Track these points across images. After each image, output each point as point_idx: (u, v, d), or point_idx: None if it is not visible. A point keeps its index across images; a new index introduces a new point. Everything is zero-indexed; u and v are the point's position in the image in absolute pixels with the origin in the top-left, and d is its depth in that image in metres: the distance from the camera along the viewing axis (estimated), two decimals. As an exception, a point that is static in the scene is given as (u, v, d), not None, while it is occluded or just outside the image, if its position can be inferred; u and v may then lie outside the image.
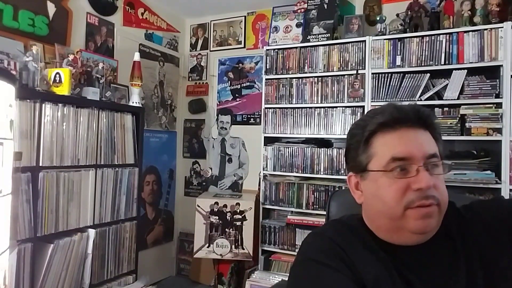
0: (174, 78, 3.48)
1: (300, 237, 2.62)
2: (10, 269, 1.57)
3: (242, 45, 3.35)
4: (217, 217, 2.79)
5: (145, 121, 2.64)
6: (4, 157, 0.62)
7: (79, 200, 1.96)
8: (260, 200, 2.80)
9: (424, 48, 2.33)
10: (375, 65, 2.46)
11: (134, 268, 2.32)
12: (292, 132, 2.72)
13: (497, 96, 2.14)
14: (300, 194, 2.66)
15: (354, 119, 2.49)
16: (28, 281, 1.69)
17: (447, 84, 2.25)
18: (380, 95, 2.42)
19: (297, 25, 2.84)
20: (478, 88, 2.18)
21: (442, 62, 2.27)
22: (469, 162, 2.15)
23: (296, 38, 2.81)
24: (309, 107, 2.66)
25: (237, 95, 3.36)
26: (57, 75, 1.90)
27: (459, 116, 2.19)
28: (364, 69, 2.48)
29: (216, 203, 2.81)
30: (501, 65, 2.13)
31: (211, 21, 3.50)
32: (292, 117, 2.72)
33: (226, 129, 3.38)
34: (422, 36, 2.33)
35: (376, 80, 2.44)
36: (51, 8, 2.32)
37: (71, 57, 2.09)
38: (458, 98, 2.22)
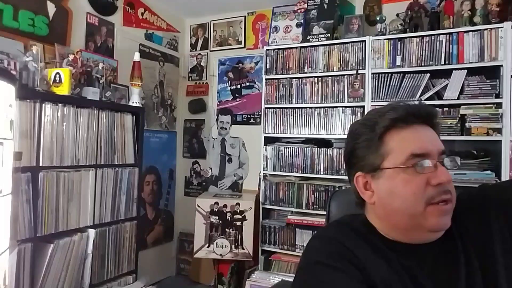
0: (174, 78, 3.48)
1: (300, 237, 2.62)
2: (10, 269, 1.56)
3: (242, 45, 3.35)
4: (217, 217, 2.79)
5: (145, 121, 2.64)
6: (4, 157, 0.62)
7: (79, 200, 1.96)
8: (260, 200, 2.80)
9: (424, 48, 2.32)
10: (375, 65, 2.46)
11: (134, 268, 2.32)
12: (292, 132, 2.72)
13: (497, 96, 2.14)
14: (300, 194, 2.65)
15: (354, 119, 2.49)
16: (28, 281, 1.69)
17: (447, 84, 2.25)
18: (380, 95, 2.42)
19: (297, 25, 2.83)
20: (478, 88, 2.18)
21: (442, 62, 2.27)
22: (469, 162, 2.15)
23: (296, 38, 2.81)
24: (309, 107, 2.66)
25: (237, 95, 3.36)
26: (57, 75, 1.89)
27: (459, 116, 2.19)
28: (364, 69, 2.48)
29: (216, 203, 2.81)
30: (501, 65, 2.13)
31: (211, 21, 3.50)
32: (292, 117, 2.72)
33: (226, 129, 3.38)
34: (422, 36, 2.33)
35: (376, 80, 2.44)
36: (51, 8, 2.32)
37: (71, 57, 2.09)
38: (458, 98, 2.22)
